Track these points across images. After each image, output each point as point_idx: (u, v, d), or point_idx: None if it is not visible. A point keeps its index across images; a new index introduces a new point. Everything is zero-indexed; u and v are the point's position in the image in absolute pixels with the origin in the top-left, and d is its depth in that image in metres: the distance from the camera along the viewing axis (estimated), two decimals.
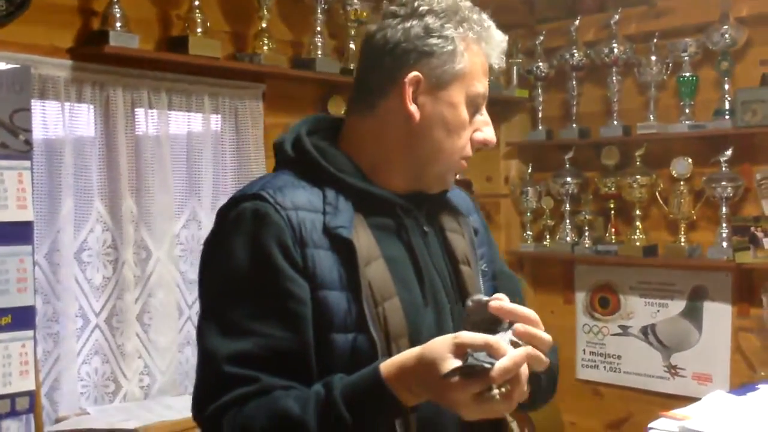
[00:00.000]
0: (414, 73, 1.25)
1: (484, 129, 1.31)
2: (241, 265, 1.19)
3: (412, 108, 1.26)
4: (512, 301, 1.37)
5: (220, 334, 1.17)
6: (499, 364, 1.05)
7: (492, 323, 1.13)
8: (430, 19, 1.26)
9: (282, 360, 1.15)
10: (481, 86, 1.29)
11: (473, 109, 1.29)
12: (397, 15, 1.28)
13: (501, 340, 1.09)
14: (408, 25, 1.26)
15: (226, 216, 1.25)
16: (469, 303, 1.17)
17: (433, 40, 1.25)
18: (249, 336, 1.16)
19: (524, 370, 1.09)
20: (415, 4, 1.28)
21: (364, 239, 1.23)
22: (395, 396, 1.08)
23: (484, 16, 1.31)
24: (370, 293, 1.20)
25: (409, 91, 1.25)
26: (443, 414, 1.23)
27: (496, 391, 1.05)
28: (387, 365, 1.11)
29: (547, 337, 1.15)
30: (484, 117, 1.32)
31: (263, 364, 1.15)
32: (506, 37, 1.33)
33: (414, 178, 1.32)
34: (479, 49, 1.28)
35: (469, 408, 1.07)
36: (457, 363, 1.06)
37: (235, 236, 1.21)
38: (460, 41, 1.26)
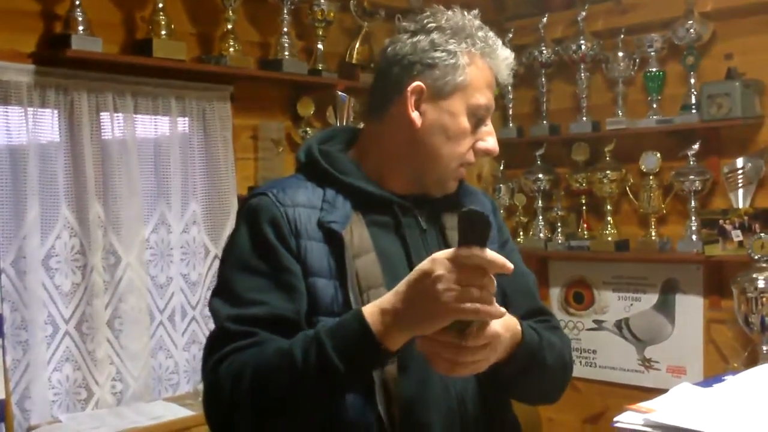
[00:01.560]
0: (417, 83, 1.36)
1: (488, 138, 1.40)
2: (245, 247, 1.35)
3: (414, 115, 1.37)
4: (523, 298, 1.52)
5: (225, 303, 1.32)
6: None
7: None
8: (436, 35, 1.37)
9: (278, 323, 1.27)
10: (483, 98, 1.38)
11: (475, 120, 1.38)
12: (408, 30, 1.41)
13: None
14: (416, 39, 1.38)
15: (240, 213, 1.42)
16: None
17: (437, 54, 1.36)
18: (250, 304, 1.29)
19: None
20: (425, 21, 1.40)
21: (357, 234, 1.35)
22: (369, 328, 1.17)
23: (491, 34, 1.41)
24: (356, 281, 1.32)
25: (411, 99, 1.37)
26: (428, 393, 1.32)
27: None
28: (367, 306, 1.21)
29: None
30: (488, 127, 1.41)
31: (261, 324, 1.27)
32: (512, 54, 1.42)
33: (415, 182, 1.42)
34: (484, 64, 1.38)
35: (447, 294, 1.13)
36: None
37: (242, 226, 1.38)
38: (463, 55, 1.36)
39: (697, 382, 2.36)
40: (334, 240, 1.34)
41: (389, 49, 1.43)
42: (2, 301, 2.35)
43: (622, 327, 3.65)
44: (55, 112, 2.54)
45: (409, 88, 1.37)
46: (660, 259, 3.45)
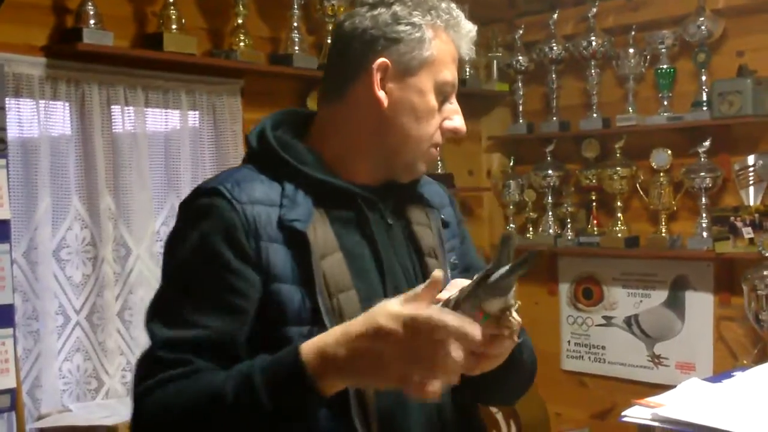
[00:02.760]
0: (382, 60, 1.26)
1: (454, 117, 1.31)
2: (190, 260, 1.21)
3: (380, 94, 1.26)
4: None
5: (161, 322, 1.19)
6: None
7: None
8: (398, 7, 1.27)
9: (218, 349, 1.16)
10: (450, 74, 1.29)
11: (442, 97, 1.29)
12: (366, 3, 1.30)
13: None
14: (376, 12, 1.27)
15: (185, 210, 1.27)
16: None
17: (401, 27, 1.26)
18: (188, 326, 1.16)
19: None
20: None
21: (321, 232, 1.23)
22: (307, 372, 1.05)
23: (453, 5, 1.32)
24: (324, 285, 1.20)
25: (377, 77, 1.26)
26: (406, 402, 1.22)
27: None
28: (308, 342, 1.08)
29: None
30: (453, 105, 1.32)
31: (199, 350, 1.15)
32: (475, 27, 1.33)
33: (383, 167, 1.32)
34: (447, 38, 1.29)
35: (397, 360, 1.01)
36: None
37: (190, 231, 1.23)
38: (428, 29, 1.27)
39: (706, 377, 2.36)
40: (297, 240, 1.21)
41: (347, 23, 1.30)
42: (14, 292, 2.37)
43: (631, 323, 3.65)
44: (67, 105, 2.56)
45: (374, 66, 1.26)
46: (670, 255, 3.44)
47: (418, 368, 0.99)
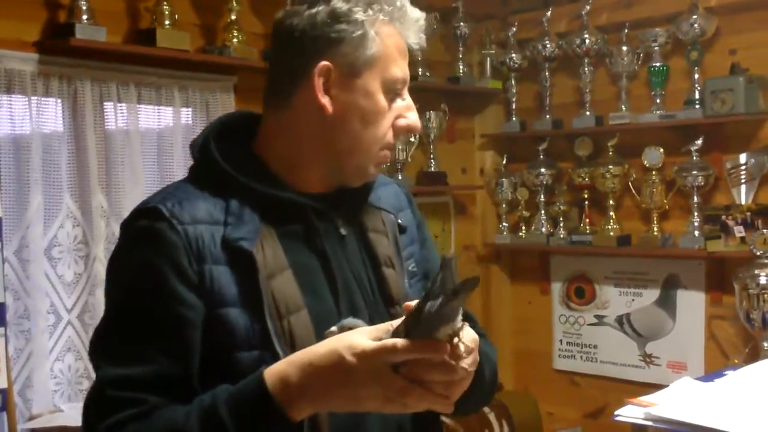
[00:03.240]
0: (323, 63, 1.18)
1: (408, 114, 1.24)
2: (134, 289, 1.15)
3: (324, 100, 1.19)
4: None
5: (108, 356, 1.13)
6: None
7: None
8: (337, 4, 1.19)
9: (168, 385, 1.11)
10: (399, 70, 1.22)
11: (392, 95, 1.22)
12: (304, 1, 1.21)
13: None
14: (314, 11, 1.19)
15: (125, 233, 1.21)
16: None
17: (341, 26, 1.18)
18: (136, 362, 1.11)
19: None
20: None
21: (269, 250, 1.17)
22: (273, 397, 1.04)
23: None
24: (273, 307, 1.14)
25: (319, 81, 1.19)
26: (364, 423, 1.19)
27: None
28: (273, 367, 1.06)
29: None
30: (406, 102, 1.25)
31: (149, 388, 1.10)
32: (423, 15, 1.25)
33: (332, 174, 1.25)
34: (393, 31, 1.21)
35: (377, 400, 1.02)
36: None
37: (131, 257, 1.17)
38: (371, 25, 1.19)
39: (698, 377, 2.37)
40: (243, 261, 1.14)
41: (285, 23, 1.22)
42: (5, 291, 2.36)
43: (623, 322, 3.66)
44: (59, 101, 2.54)
45: (315, 70, 1.18)
46: (662, 254, 3.45)
47: (391, 399, 1.01)
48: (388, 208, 1.35)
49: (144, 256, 1.15)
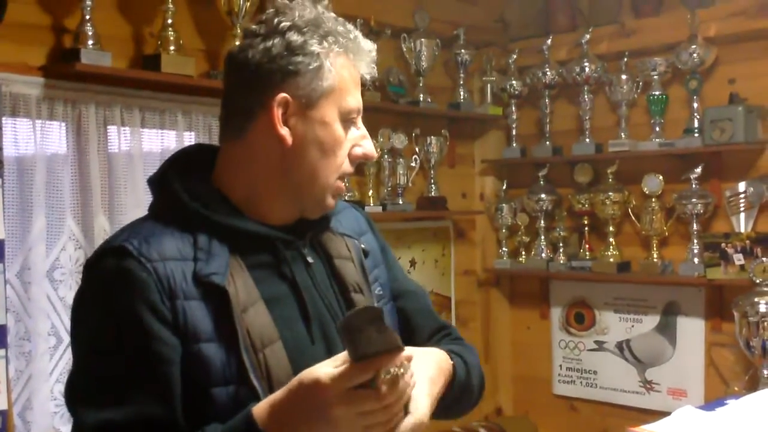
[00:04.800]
0: (281, 95, 1.19)
1: (363, 143, 1.27)
2: (106, 330, 1.14)
3: (284, 131, 1.20)
4: (426, 320, 1.42)
5: (86, 402, 1.12)
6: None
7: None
8: (292, 36, 1.20)
9: (152, 426, 1.10)
10: (354, 100, 1.24)
11: (348, 124, 1.25)
12: (258, 34, 1.22)
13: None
14: (270, 44, 1.20)
15: (91, 274, 1.19)
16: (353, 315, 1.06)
17: (298, 58, 1.19)
18: (117, 404, 1.09)
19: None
20: (275, 20, 1.22)
21: (240, 283, 1.17)
22: (255, 424, 1.06)
23: (350, 26, 1.26)
24: (248, 341, 1.14)
25: (278, 113, 1.20)
26: None
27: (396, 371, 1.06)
28: (259, 406, 1.09)
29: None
30: (361, 131, 1.27)
31: (133, 431, 1.09)
32: (374, 46, 1.28)
33: (292, 205, 1.26)
34: (347, 62, 1.24)
35: (351, 423, 1.06)
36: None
37: (100, 298, 1.16)
38: (326, 56, 1.21)
39: (700, 405, 2.37)
40: (215, 295, 1.14)
41: (240, 56, 1.22)
42: (6, 312, 2.36)
43: (623, 348, 3.66)
44: (63, 124, 2.55)
45: (273, 102, 1.19)
46: (662, 281, 3.46)
47: (363, 415, 1.06)
48: (350, 233, 1.37)
49: (114, 296, 1.13)
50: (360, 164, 3.49)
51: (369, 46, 1.27)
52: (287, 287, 1.23)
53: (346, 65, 1.23)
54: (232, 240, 1.20)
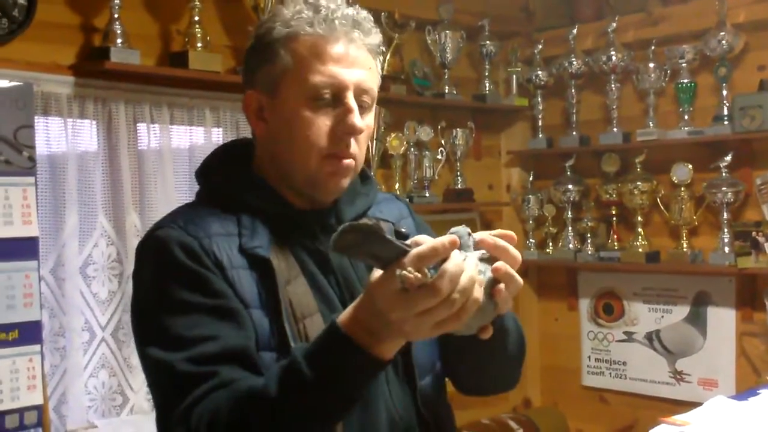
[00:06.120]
0: (250, 92, 1.29)
1: (345, 118, 1.24)
2: (166, 284, 1.19)
3: (259, 126, 1.29)
4: None
5: (168, 350, 1.15)
6: (415, 250, 1.00)
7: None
8: (258, 32, 1.28)
9: (237, 357, 1.14)
10: (319, 76, 1.22)
11: (319, 102, 1.23)
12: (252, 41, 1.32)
13: (469, 258, 1.05)
14: (248, 45, 1.30)
15: (145, 248, 1.26)
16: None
17: (256, 54, 1.28)
18: (199, 341, 1.14)
19: (476, 277, 1.03)
20: (260, 21, 1.33)
21: (283, 259, 1.23)
22: (352, 339, 1.03)
23: (323, 2, 1.25)
24: (290, 311, 1.20)
25: (250, 111, 1.29)
26: (375, 415, 1.23)
27: (408, 273, 0.98)
28: (342, 314, 1.07)
29: (517, 253, 1.13)
30: (346, 105, 1.24)
31: (219, 362, 1.13)
32: (350, 12, 1.25)
33: (297, 191, 1.30)
34: (305, 40, 1.23)
35: (415, 324, 1.00)
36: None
37: (152, 263, 1.23)
38: (280, 43, 1.24)
39: (732, 395, 2.36)
40: (261, 267, 1.21)
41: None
42: (41, 308, 2.40)
43: (653, 339, 3.63)
44: (94, 122, 2.58)
45: (244, 102, 1.30)
46: (691, 271, 3.43)
47: (421, 316, 1.00)
48: (389, 218, 1.41)
49: (168, 256, 1.19)
50: (386, 157, 3.53)
51: (342, 16, 1.23)
52: (324, 268, 1.28)
53: (303, 42, 1.23)
54: (273, 222, 1.26)
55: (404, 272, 0.98)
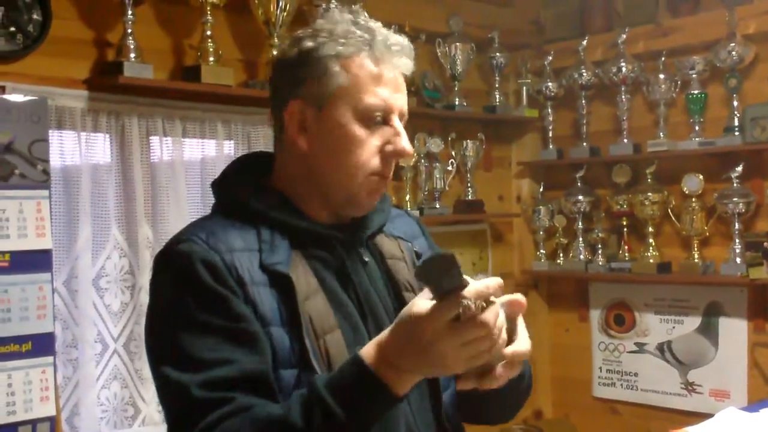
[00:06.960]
0: (295, 102, 1.27)
1: (394, 140, 1.27)
2: (185, 301, 1.18)
3: (300, 138, 1.27)
4: None
5: (184, 371, 1.14)
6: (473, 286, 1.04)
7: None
8: (305, 44, 1.26)
9: (251, 381, 1.14)
10: (374, 97, 1.25)
11: (371, 123, 1.26)
12: (284, 47, 1.33)
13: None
14: (287, 57, 1.29)
15: (163, 262, 1.25)
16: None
17: (306, 65, 1.26)
18: (215, 365, 1.13)
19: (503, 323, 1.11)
20: (300, 32, 1.30)
21: (302, 274, 1.23)
22: (375, 374, 1.06)
23: (375, 25, 1.28)
24: (311, 328, 1.19)
25: (293, 121, 1.27)
26: (394, 418, 1.23)
27: (470, 303, 1.04)
28: (366, 348, 1.10)
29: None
30: (394, 128, 1.28)
31: (235, 387, 1.12)
32: (402, 40, 1.29)
33: (329, 206, 1.31)
34: (361, 61, 1.25)
35: (457, 354, 1.05)
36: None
37: (171, 277, 1.21)
38: (335, 60, 1.24)
39: (743, 406, 2.35)
40: (281, 283, 1.21)
41: (272, 69, 1.36)
42: (54, 320, 2.42)
43: (664, 350, 3.62)
44: (107, 136, 2.61)
45: (289, 110, 1.27)
46: (703, 281, 3.42)
47: (466, 345, 1.04)
48: (404, 236, 1.42)
49: (189, 272, 1.18)
50: (397, 169, 3.55)
51: (395, 42, 1.27)
52: (345, 282, 1.28)
53: (360, 64, 1.25)
54: (292, 235, 1.26)
55: (469, 302, 1.03)
